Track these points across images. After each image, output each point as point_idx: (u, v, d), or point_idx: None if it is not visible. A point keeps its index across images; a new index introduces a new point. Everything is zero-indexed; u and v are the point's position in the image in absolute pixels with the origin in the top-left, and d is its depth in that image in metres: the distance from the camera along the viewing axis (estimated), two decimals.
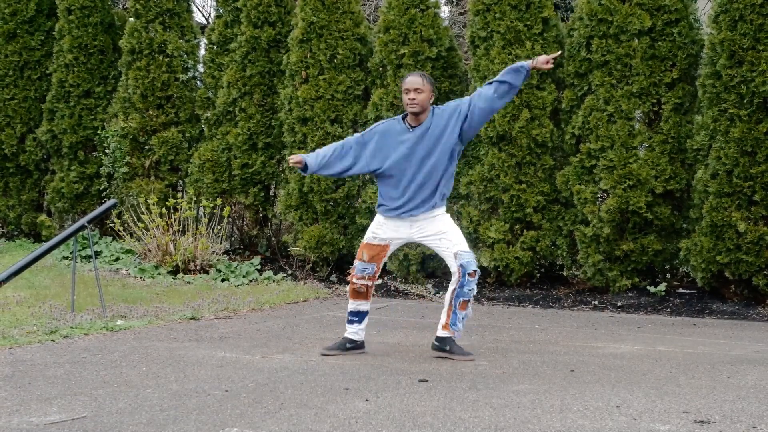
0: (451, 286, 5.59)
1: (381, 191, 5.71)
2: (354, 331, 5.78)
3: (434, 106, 5.64)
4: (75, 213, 11.25)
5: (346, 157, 5.69)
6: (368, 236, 5.72)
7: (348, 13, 9.53)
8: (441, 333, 5.66)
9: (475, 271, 5.54)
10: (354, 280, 5.68)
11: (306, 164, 5.69)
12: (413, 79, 5.54)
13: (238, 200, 10.26)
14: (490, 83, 5.62)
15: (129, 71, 10.64)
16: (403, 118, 5.64)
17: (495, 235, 8.76)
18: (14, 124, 11.56)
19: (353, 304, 5.75)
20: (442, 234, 5.60)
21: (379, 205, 5.71)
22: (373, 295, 8.84)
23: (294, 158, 5.68)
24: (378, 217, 5.73)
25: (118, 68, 10.98)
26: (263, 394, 4.59)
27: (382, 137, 5.64)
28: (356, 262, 5.69)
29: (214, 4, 11.41)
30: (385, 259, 5.75)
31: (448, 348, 5.64)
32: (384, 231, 5.67)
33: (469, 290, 5.55)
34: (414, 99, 5.50)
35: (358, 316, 5.76)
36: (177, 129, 10.60)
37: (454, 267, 5.55)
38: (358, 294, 5.71)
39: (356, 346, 5.80)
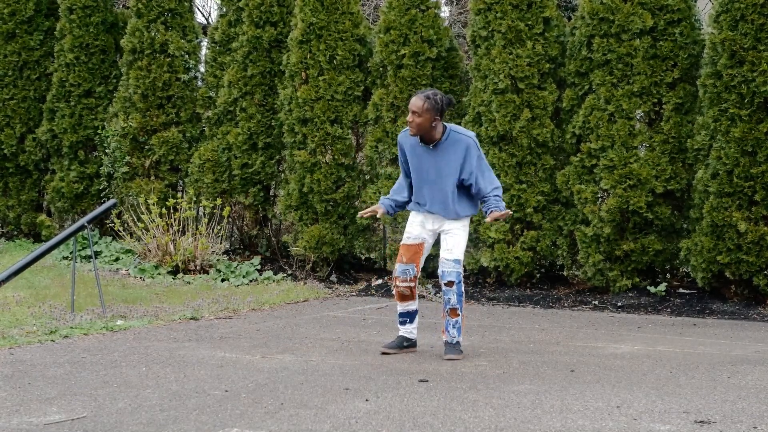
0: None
1: (414, 192, 5.84)
2: (408, 331, 5.87)
3: (450, 126, 5.67)
4: (75, 213, 11.24)
5: (402, 191, 5.82)
6: (404, 238, 5.83)
7: (347, 14, 9.52)
8: (443, 338, 5.85)
9: (451, 281, 5.63)
10: (398, 283, 5.75)
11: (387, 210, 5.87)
12: (414, 101, 5.54)
13: (238, 200, 10.25)
14: (488, 194, 5.70)
15: (130, 71, 10.63)
16: None
17: (495, 234, 8.76)
18: (14, 124, 11.55)
19: (401, 307, 5.83)
20: (446, 235, 5.73)
21: (412, 203, 5.85)
22: (373, 295, 8.90)
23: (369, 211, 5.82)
24: (410, 219, 5.85)
25: (120, 68, 10.97)
26: (263, 394, 4.58)
27: (406, 148, 5.73)
28: (396, 265, 5.76)
29: (216, 3, 11.39)
30: (423, 257, 5.81)
31: (445, 350, 5.79)
32: (415, 228, 5.77)
33: (448, 299, 5.68)
34: (411, 122, 5.56)
35: (409, 316, 5.85)
36: (177, 129, 10.59)
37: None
38: (404, 297, 5.79)
39: (411, 344, 5.91)
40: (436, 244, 5.90)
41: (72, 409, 4.24)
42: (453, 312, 5.68)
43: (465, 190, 5.70)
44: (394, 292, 5.84)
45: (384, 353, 5.78)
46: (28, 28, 11.50)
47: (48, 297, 7.70)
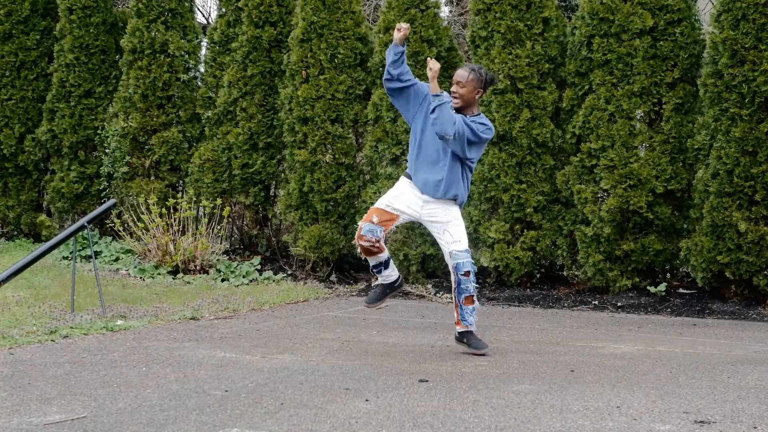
0: (453, 284, 5.68)
1: (409, 157, 5.79)
2: (386, 275, 5.83)
3: (483, 114, 5.68)
4: (75, 213, 11.23)
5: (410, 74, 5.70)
6: (381, 203, 5.71)
7: (349, 13, 9.52)
8: (458, 328, 5.80)
9: (468, 271, 5.57)
10: (361, 242, 5.64)
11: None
12: (458, 72, 5.62)
13: (238, 200, 10.25)
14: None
15: (130, 71, 10.63)
16: None
17: (495, 235, 8.76)
18: (12, 125, 11.54)
19: (372, 260, 5.78)
20: (446, 227, 5.66)
21: (407, 170, 5.78)
22: None
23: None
24: (395, 189, 5.74)
25: (120, 68, 10.97)
26: (263, 394, 4.58)
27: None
28: (363, 224, 5.63)
29: (215, 3, 11.38)
30: (393, 227, 5.75)
31: (465, 341, 5.79)
32: (398, 203, 5.69)
33: (466, 287, 5.63)
34: (455, 92, 5.59)
35: (383, 264, 5.80)
36: (177, 129, 10.59)
37: (450, 265, 5.64)
38: (372, 251, 5.69)
39: (394, 285, 5.88)
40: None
41: (72, 409, 4.23)
42: (468, 300, 5.64)
43: (462, 170, 5.64)
44: (359, 251, 5.72)
45: (369, 307, 5.87)
46: (25, 28, 11.49)
47: (48, 297, 7.70)
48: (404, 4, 9.18)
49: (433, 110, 5.44)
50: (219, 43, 10.38)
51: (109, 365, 5.26)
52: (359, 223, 5.69)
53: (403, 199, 5.70)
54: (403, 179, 5.77)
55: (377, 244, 5.65)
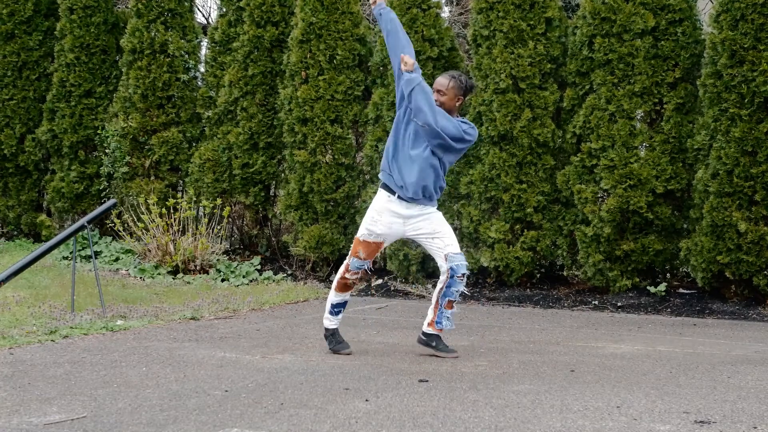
0: (439, 285, 5.64)
1: (388, 158, 5.64)
2: (339, 319, 5.82)
3: (464, 119, 5.61)
4: (75, 213, 11.24)
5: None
6: (363, 233, 5.67)
7: (347, 14, 9.52)
8: (427, 329, 5.75)
9: (464, 274, 5.58)
10: (349, 276, 5.68)
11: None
12: (439, 80, 5.60)
13: (238, 200, 10.25)
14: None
15: (130, 71, 10.63)
16: None
17: (495, 234, 8.75)
18: (13, 125, 11.54)
19: (340, 297, 5.76)
20: (436, 234, 5.61)
21: (382, 171, 5.69)
22: (373, 295, 8.90)
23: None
24: (373, 209, 5.67)
25: (120, 68, 10.97)
26: (263, 394, 4.58)
27: None
28: (352, 259, 5.66)
29: (216, 3, 11.37)
30: (378, 254, 5.78)
31: (434, 344, 5.74)
32: (378, 227, 5.63)
33: (456, 291, 5.61)
34: (436, 100, 5.53)
35: (345, 305, 5.83)
36: (177, 129, 10.59)
37: (443, 267, 5.59)
38: (347, 287, 5.75)
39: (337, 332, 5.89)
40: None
41: (72, 409, 4.23)
42: (450, 304, 5.64)
43: (439, 169, 5.60)
44: (337, 283, 5.73)
45: (339, 353, 5.72)
46: (27, 28, 11.49)
47: (48, 297, 7.70)
48: (406, 3, 9.17)
49: (410, 92, 5.43)
50: (220, 43, 10.38)
51: (109, 365, 5.26)
52: (347, 261, 5.69)
53: (382, 222, 5.62)
54: (380, 194, 5.67)
55: (359, 276, 5.71)
